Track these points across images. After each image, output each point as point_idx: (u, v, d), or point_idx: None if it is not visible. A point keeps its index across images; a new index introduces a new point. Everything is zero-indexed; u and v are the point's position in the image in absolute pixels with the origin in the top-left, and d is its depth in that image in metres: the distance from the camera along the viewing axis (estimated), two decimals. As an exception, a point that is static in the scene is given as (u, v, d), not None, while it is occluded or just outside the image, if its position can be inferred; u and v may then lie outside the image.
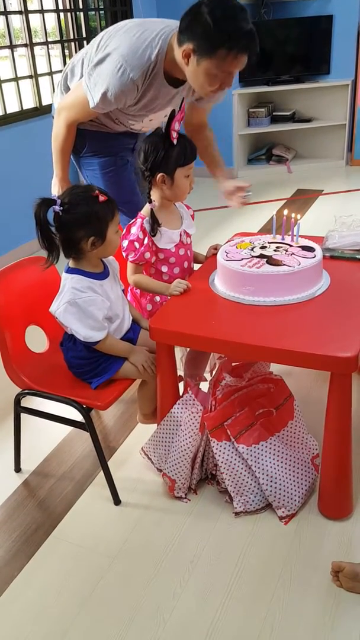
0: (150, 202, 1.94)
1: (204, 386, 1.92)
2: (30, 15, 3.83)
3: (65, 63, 4.23)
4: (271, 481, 1.73)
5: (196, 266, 2.14)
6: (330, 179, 5.23)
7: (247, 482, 1.75)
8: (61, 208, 1.64)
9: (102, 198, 1.66)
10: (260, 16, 5.30)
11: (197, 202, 4.85)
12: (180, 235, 2.01)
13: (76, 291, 1.69)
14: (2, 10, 3.61)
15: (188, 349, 2.10)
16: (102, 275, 1.78)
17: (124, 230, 1.95)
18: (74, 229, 1.66)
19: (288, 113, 5.59)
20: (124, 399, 2.30)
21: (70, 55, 4.34)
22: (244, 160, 5.68)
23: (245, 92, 5.34)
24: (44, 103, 4.00)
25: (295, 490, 1.75)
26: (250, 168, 5.66)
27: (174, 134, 1.82)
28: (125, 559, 1.68)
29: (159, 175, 1.88)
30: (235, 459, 1.74)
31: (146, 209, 1.95)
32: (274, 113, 5.63)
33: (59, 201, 1.64)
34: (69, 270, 1.75)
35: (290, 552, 1.66)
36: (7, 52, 3.70)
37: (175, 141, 1.83)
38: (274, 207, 4.64)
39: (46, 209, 1.63)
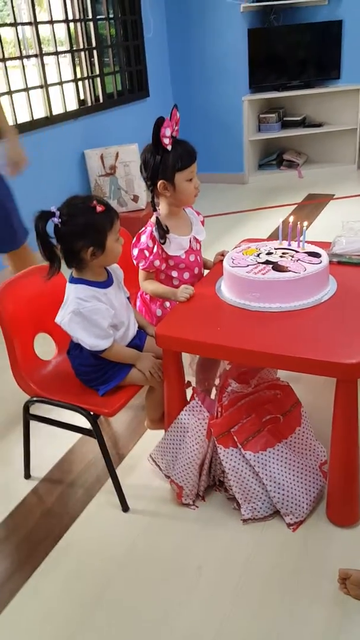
0: (155, 210, 1.95)
1: (214, 393, 1.92)
2: (40, 26, 3.88)
3: (75, 72, 4.27)
4: (279, 488, 1.73)
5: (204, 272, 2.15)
6: (341, 184, 5.21)
7: (254, 489, 1.75)
8: (60, 220, 1.66)
9: (99, 208, 1.67)
10: (270, 22, 5.32)
11: (206, 208, 4.89)
12: (190, 241, 2.02)
13: (80, 301, 1.71)
14: (13, 21, 3.66)
15: (198, 355, 2.11)
16: (106, 283, 1.80)
17: (134, 238, 1.97)
18: (73, 240, 1.68)
19: (299, 118, 5.59)
20: (133, 405, 2.31)
21: (81, 65, 4.38)
22: (255, 165, 5.69)
23: (255, 98, 5.35)
24: (55, 112, 4.04)
25: (303, 497, 1.75)
26: (261, 173, 5.66)
27: (165, 140, 1.83)
28: (132, 565, 1.69)
29: (160, 182, 1.90)
30: (243, 466, 1.74)
31: (154, 217, 1.96)
32: (284, 118, 5.63)
33: (57, 213, 1.66)
34: (73, 280, 1.77)
35: (297, 559, 1.65)
36: (18, 62, 3.74)
37: (169, 147, 1.84)
38: (284, 212, 4.63)
39: (45, 221, 1.66)
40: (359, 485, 1.71)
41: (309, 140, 5.68)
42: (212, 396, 1.88)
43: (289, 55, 5.36)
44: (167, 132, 1.84)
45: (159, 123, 1.82)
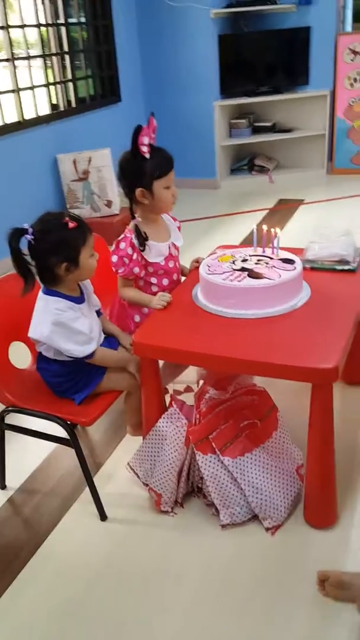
0: (133, 217, 1.96)
1: (190, 399, 1.93)
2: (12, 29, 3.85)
3: (47, 77, 4.25)
4: (257, 493, 1.74)
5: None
6: (311, 189, 5.29)
7: (233, 495, 1.76)
8: (32, 237, 1.66)
9: (72, 224, 1.67)
10: (240, 29, 5.38)
11: (180, 213, 4.89)
12: (169, 247, 2.03)
13: (58, 311, 1.71)
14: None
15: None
16: (79, 299, 1.80)
17: (113, 245, 1.97)
18: (46, 256, 1.68)
19: (269, 124, 5.65)
20: (110, 411, 2.27)
21: (53, 69, 4.36)
22: (227, 170, 5.73)
23: (226, 104, 5.39)
24: (27, 117, 4.01)
25: (280, 501, 1.77)
26: (233, 178, 5.70)
27: (143, 148, 1.84)
28: (112, 574, 1.68)
29: (138, 190, 1.90)
30: (221, 472, 1.75)
31: (132, 225, 1.97)
32: (255, 124, 5.69)
33: (30, 230, 1.66)
34: (48, 292, 1.75)
35: (277, 563, 1.67)
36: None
37: (147, 155, 1.85)
38: (257, 217, 4.69)
39: (18, 238, 1.65)
40: (335, 487, 1.74)
41: (279, 145, 5.74)
42: (190, 402, 1.89)
43: (259, 61, 5.43)
44: (145, 140, 1.85)
45: (137, 131, 1.82)
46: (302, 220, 4.53)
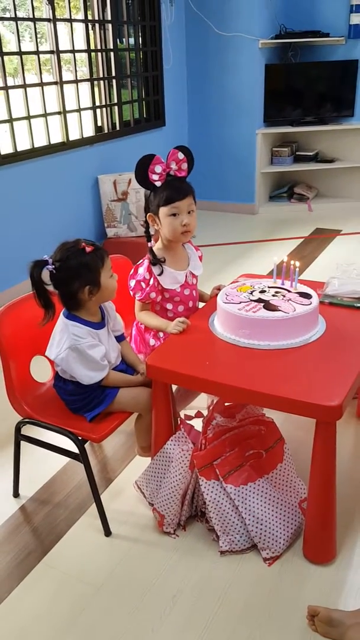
0: (149, 240, 2.04)
1: (199, 424, 1.97)
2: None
3: (93, 99, 4.41)
4: (257, 522, 1.77)
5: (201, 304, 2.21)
6: (349, 220, 5.28)
7: (233, 522, 1.78)
8: (53, 266, 1.74)
9: (88, 249, 1.76)
10: (288, 59, 5.46)
11: (215, 237, 4.98)
12: (186, 276, 2.09)
13: (77, 337, 1.78)
14: (35, 50, 3.81)
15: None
16: (100, 325, 1.88)
17: (132, 270, 2.04)
18: (69, 282, 1.76)
19: (311, 153, 5.69)
20: (125, 431, 2.36)
21: (100, 92, 4.52)
22: (266, 197, 5.79)
23: (269, 132, 5.46)
24: (71, 138, 4.17)
25: (280, 533, 1.78)
26: (272, 205, 5.75)
27: (153, 176, 1.93)
28: (110, 590, 1.73)
29: (148, 215, 2.00)
30: (223, 499, 1.78)
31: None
32: (297, 152, 5.74)
33: (50, 260, 1.75)
34: (68, 316, 1.83)
35: (271, 593, 1.68)
36: (38, 89, 3.88)
37: (157, 183, 1.94)
38: (292, 244, 4.72)
39: (40, 269, 1.74)
40: (335, 524, 1.74)
41: (320, 175, 5.77)
42: (199, 427, 1.93)
43: (305, 92, 5.49)
44: (158, 169, 1.93)
45: (146, 161, 1.91)
46: (336, 251, 4.54)
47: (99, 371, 1.81)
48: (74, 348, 1.77)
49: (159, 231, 2.05)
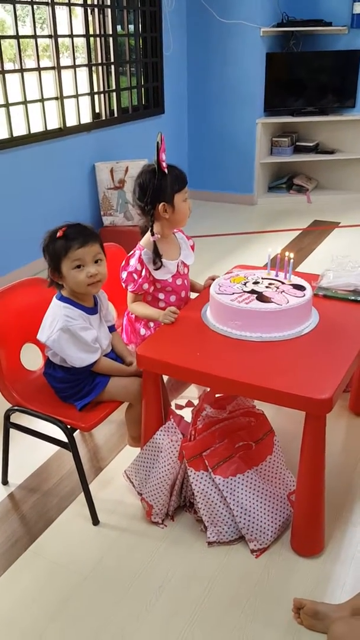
0: (152, 234, 2.01)
1: (188, 415, 1.97)
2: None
3: (91, 85, 4.36)
4: (245, 514, 1.76)
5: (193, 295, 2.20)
6: (348, 212, 5.26)
7: (221, 513, 1.78)
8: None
9: (59, 234, 1.75)
10: (290, 48, 5.41)
11: (213, 227, 4.95)
12: (178, 265, 2.08)
13: (68, 318, 1.77)
14: (32, 34, 3.76)
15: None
16: (92, 310, 1.87)
17: (123, 261, 2.02)
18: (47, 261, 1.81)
19: (311, 144, 5.65)
20: (115, 420, 2.35)
21: (98, 78, 4.47)
22: (265, 187, 5.75)
23: (269, 122, 5.42)
24: (68, 124, 4.12)
25: (268, 525, 1.78)
26: (270, 196, 5.72)
27: (164, 164, 1.91)
28: (97, 578, 1.72)
29: (161, 205, 1.96)
30: (211, 490, 1.77)
31: (146, 241, 2.02)
32: (297, 143, 5.70)
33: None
34: (61, 299, 1.83)
35: (257, 585, 1.68)
36: (35, 73, 3.83)
37: (166, 170, 1.91)
38: (290, 236, 4.69)
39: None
40: (323, 517, 1.74)
41: (320, 166, 5.73)
42: (189, 418, 1.92)
43: (306, 81, 5.44)
44: (163, 156, 1.91)
45: (158, 148, 1.89)
46: (334, 243, 4.51)
47: (90, 353, 1.80)
48: (65, 329, 1.76)
49: (159, 222, 2.02)
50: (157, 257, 2.00)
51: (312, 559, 1.75)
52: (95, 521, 1.91)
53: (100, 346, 1.86)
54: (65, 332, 1.76)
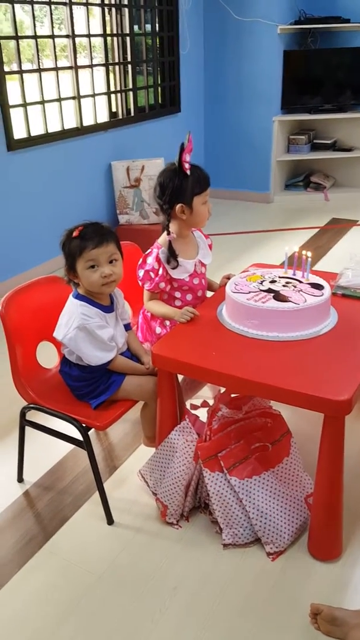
0: (168, 233, 1.99)
1: (204, 415, 1.95)
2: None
3: (108, 85, 4.36)
4: (261, 516, 1.74)
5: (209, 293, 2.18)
6: (366, 210, 5.20)
7: (237, 515, 1.76)
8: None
9: (75, 233, 1.75)
10: (307, 45, 5.35)
11: (230, 225, 4.92)
12: (195, 265, 2.06)
13: (85, 317, 1.77)
14: (50, 34, 3.76)
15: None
16: (109, 309, 1.86)
17: (140, 259, 2.01)
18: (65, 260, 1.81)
19: (329, 141, 5.59)
20: (131, 419, 2.34)
21: (115, 77, 4.47)
22: (282, 185, 5.71)
23: (286, 119, 5.37)
24: (85, 123, 4.12)
25: (285, 528, 1.75)
26: (287, 193, 5.67)
27: (187, 165, 1.88)
28: (110, 578, 1.71)
29: (178, 206, 1.94)
30: (227, 491, 1.75)
31: (163, 240, 2.00)
32: (314, 140, 5.64)
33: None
34: (78, 297, 1.82)
35: (273, 589, 1.65)
36: (53, 73, 3.84)
37: (188, 172, 1.89)
38: (307, 234, 4.65)
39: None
40: (341, 520, 1.71)
41: (338, 164, 5.67)
42: (204, 418, 1.90)
43: (324, 79, 5.38)
44: (187, 157, 1.89)
45: (182, 149, 1.87)
46: (353, 241, 4.46)
47: (107, 352, 1.79)
48: (82, 327, 1.75)
49: (176, 222, 2.00)
50: (172, 256, 1.98)
51: (330, 563, 1.72)
52: (110, 520, 1.90)
53: (116, 344, 1.85)
54: (81, 331, 1.76)
